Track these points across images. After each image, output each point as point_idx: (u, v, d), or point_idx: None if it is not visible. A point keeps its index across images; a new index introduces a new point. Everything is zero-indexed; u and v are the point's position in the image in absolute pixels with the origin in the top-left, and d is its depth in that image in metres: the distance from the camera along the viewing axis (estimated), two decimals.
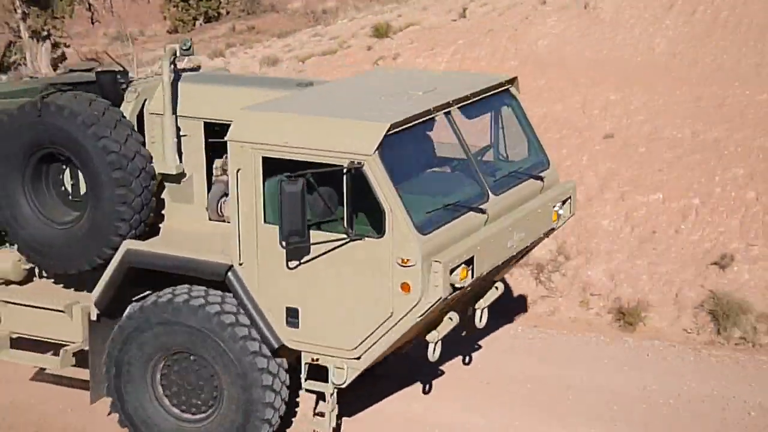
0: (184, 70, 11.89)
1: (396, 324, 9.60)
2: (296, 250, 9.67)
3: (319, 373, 10.25)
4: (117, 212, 10.61)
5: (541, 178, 11.39)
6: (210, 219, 11.36)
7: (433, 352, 10.57)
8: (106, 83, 11.26)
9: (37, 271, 12.10)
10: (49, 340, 11.67)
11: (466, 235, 10.03)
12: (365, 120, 9.62)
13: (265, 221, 9.89)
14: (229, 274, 10.17)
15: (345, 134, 9.48)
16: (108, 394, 11.13)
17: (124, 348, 10.73)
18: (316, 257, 9.72)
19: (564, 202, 11.62)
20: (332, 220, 9.56)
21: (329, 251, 9.66)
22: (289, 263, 9.79)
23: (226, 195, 11.00)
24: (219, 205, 11.24)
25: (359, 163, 9.27)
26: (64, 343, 11.42)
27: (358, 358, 9.90)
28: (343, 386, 10.16)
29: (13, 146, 10.94)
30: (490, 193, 10.44)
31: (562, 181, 12.08)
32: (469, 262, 9.78)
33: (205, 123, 11.16)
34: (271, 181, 9.85)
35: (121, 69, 11.50)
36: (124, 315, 10.90)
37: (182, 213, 11.42)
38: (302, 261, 9.77)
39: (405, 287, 9.43)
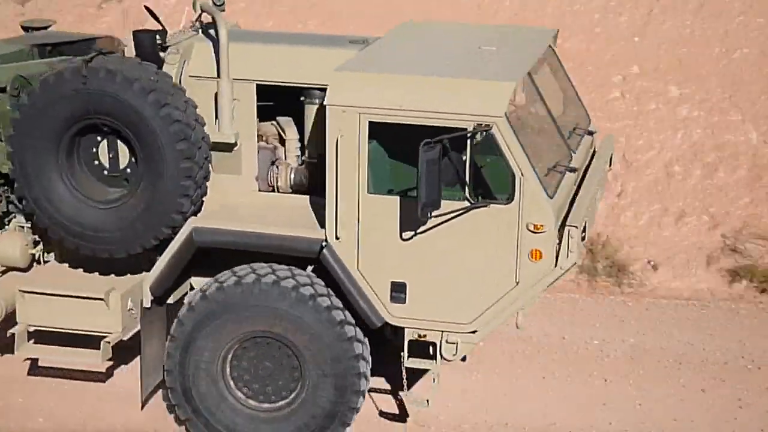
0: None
1: (521, 294, 9.12)
2: (410, 220, 9.00)
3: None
4: (181, 187, 9.50)
5: (593, 133, 11.11)
6: (259, 190, 10.41)
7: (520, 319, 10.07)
8: (146, 44, 10.06)
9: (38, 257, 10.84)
10: (76, 333, 10.38)
11: (569, 196, 9.64)
12: (490, 79, 9.01)
13: (369, 191, 9.15)
14: (324, 250, 9.39)
15: (469, 95, 8.82)
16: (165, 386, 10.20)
17: (195, 334, 9.73)
18: (433, 227, 9.08)
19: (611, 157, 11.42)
20: (453, 187, 8.94)
21: (448, 220, 9.04)
22: (403, 235, 9.13)
23: (274, 163, 10.23)
24: (269, 174, 10.33)
25: (487, 125, 8.68)
26: (97, 334, 10.25)
27: (474, 332, 9.36)
28: (453, 361, 9.64)
29: (49, 118, 9.57)
30: (571, 152, 10.09)
31: (602, 136, 11.86)
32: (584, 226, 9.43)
33: (257, 86, 10.15)
34: (376, 147, 9.16)
35: (161, 28, 10.28)
36: (190, 298, 9.89)
37: (228, 185, 10.33)
38: (417, 232, 9.11)
39: (535, 254, 8.95)
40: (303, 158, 10.31)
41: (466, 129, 8.70)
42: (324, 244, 9.37)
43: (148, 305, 9.99)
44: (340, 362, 9.54)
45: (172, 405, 10.33)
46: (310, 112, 10.02)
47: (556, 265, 8.99)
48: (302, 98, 10.03)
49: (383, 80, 9.10)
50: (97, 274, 10.52)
